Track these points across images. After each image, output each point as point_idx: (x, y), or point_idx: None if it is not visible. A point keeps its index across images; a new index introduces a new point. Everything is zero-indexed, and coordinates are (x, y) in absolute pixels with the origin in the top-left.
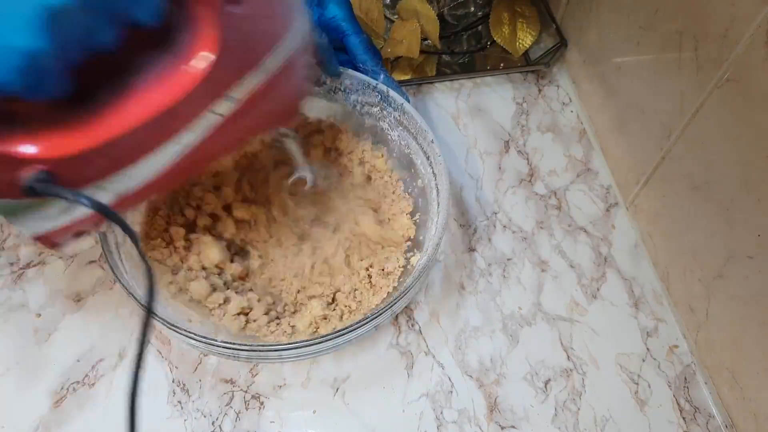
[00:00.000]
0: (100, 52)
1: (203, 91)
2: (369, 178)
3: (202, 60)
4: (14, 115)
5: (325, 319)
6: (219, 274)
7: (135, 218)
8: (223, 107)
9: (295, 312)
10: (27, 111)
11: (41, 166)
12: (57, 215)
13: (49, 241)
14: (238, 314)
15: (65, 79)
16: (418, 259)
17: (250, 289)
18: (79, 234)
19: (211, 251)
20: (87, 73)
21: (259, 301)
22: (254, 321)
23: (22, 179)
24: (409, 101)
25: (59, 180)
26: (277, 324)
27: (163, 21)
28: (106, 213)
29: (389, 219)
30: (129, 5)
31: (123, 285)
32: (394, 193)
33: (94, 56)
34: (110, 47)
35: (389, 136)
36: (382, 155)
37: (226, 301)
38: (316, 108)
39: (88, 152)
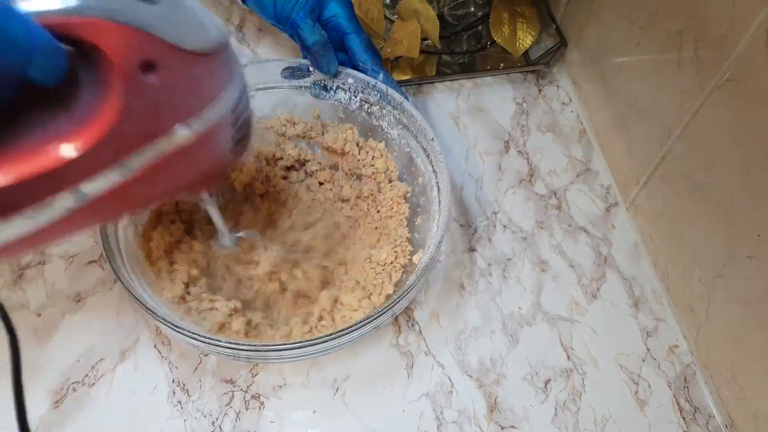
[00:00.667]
0: None
1: (94, 157)
2: (360, 179)
3: (99, 127)
4: None
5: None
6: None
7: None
8: (117, 174)
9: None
10: None
11: None
12: None
13: None
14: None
15: None
16: (419, 258)
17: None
18: None
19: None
20: None
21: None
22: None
23: None
24: (408, 101)
25: None
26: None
27: (63, 81)
28: None
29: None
30: (21, 65)
31: (124, 284)
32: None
33: None
34: None
35: (389, 135)
36: (382, 154)
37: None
38: (317, 108)
39: None
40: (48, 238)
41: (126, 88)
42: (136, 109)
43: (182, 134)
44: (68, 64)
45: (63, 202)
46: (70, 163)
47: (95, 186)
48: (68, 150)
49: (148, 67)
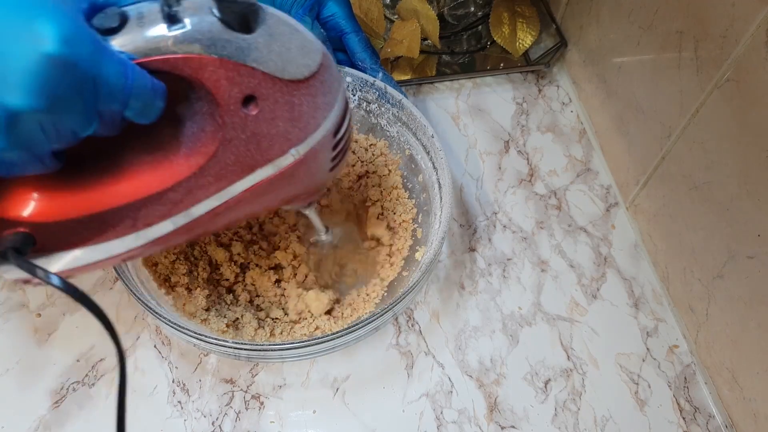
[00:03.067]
0: (89, 137)
1: (195, 184)
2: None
3: (199, 157)
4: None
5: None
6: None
7: None
8: (217, 199)
9: (297, 321)
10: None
11: (23, 229)
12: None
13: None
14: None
15: (48, 161)
16: (422, 255)
17: (250, 301)
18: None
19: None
20: (77, 151)
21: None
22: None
23: (1, 241)
24: (407, 99)
25: (40, 243)
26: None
27: (160, 118)
28: (74, 295)
29: (394, 226)
30: (117, 109)
31: (125, 282)
32: (396, 197)
33: (81, 140)
34: (99, 135)
35: (388, 133)
36: (382, 152)
37: (241, 320)
38: None
39: (71, 221)
40: (148, 252)
41: (227, 120)
42: (236, 139)
43: (282, 162)
44: (164, 104)
45: (168, 223)
46: (174, 188)
47: (197, 210)
48: (171, 176)
49: (248, 99)
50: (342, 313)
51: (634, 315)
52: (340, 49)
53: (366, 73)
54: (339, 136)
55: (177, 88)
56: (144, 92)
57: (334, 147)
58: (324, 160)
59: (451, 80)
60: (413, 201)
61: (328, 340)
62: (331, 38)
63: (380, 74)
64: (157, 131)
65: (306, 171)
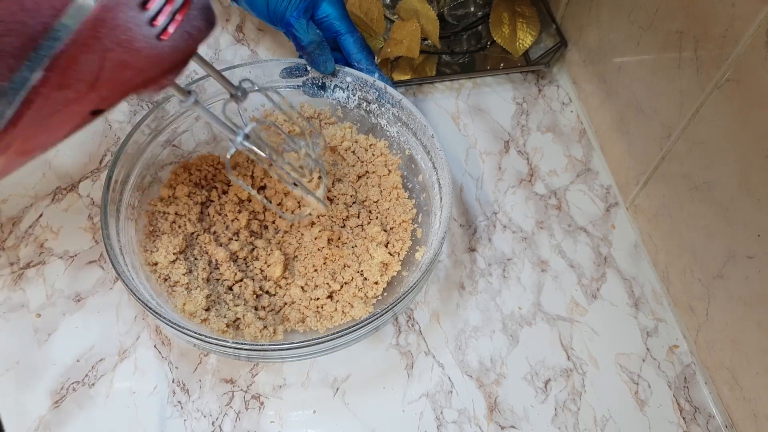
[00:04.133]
0: None
1: None
2: (361, 177)
3: None
4: None
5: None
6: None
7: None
8: (19, 79)
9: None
10: None
11: None
12: None
13: None
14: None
15: None
16: (422, 255)
17: (249, 303)
18: None
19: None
20: None
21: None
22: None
23: None
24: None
25: None
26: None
27: None
28: None
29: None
30: None
31: (125, 282)
32: (396, 197)
33: None
34: None
35: (388, 133)
36: (382, 152)
37: (242, 320)
38: (316, 107)
39: None
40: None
41: None
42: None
43: (67, 26)
44: None
45: None
46: None
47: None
48: None
49: None
50: (337, 311)
51: (634, 315)
52: (336, 50)
53: (362, 72)
54: None
55: None
56: None
57: (143, 4)
58: (133, 20)
59: (451, 80)
60: (413, 201)
61: (328, 340)
62: (326, 39)
63: (376, 74)
64: None
65: (111, 35)
